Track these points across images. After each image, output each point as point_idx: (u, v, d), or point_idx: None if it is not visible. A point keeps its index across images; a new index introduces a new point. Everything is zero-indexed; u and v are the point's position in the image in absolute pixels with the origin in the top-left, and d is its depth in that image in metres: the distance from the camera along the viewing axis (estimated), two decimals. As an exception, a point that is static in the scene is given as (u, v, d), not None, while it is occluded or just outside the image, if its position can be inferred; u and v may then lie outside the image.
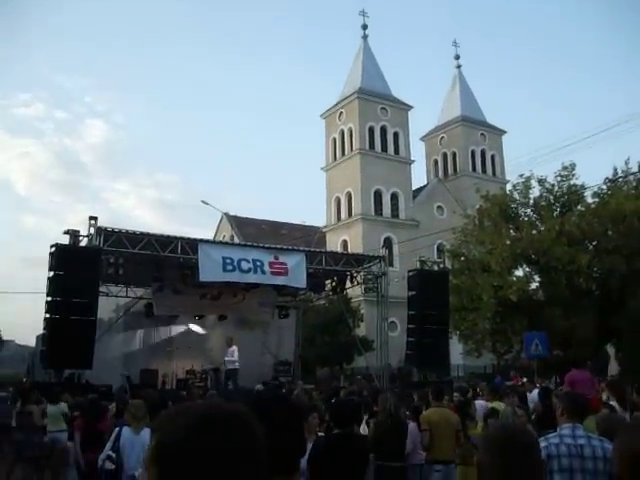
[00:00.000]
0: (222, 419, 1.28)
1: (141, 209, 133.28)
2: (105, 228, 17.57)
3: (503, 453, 2.40)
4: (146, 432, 7.45)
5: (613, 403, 8.91)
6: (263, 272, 19.48)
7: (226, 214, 55.97)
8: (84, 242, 17.31)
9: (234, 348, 21.03)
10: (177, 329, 25.27)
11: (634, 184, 30.09)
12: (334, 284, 24.69)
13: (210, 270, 18.60)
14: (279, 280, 20.14)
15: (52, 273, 16.12)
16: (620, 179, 30.65)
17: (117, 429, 7.39)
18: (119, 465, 6.98)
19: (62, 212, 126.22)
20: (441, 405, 9.23)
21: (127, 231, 18.19)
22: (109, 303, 22.27)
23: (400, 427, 8.29)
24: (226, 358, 20.89)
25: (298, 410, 2.42)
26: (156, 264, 19.39)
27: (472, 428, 8.82)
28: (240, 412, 1.32)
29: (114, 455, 7.07)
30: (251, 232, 53.82)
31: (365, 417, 9.58)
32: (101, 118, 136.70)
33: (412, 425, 8.68)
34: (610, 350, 30.44)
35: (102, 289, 19.41)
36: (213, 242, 22.72)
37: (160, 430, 1.29)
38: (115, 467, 6.99)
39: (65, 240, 16.80)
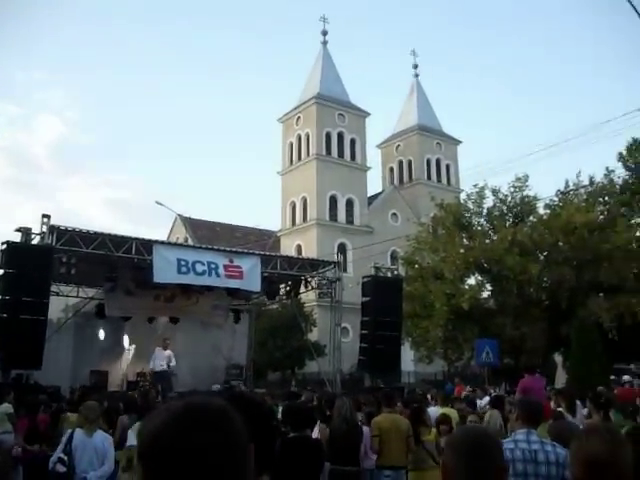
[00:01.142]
0: (204, 413, 1.29)
1: (94, 208, 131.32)
2: (58, 226, 17.24)
3: (467, 456, 2.44)
4: (99, 435, 7.37)
5: (561, 410, 9.10)
6: (218, 275, 19.34)
7: (180, 215, 55.48)
8: (36, 240, 16.98)
9: (169, 352, 20.71)
10: (129, 330, 24.94)
11: (584, 197, 30.77)
12: (288, 288, 24.70)
13: (164, 271, 18.42)
14: (234, 283, 20.01)
15: (2, 271, 15.78)
16: (571, 191, 31.34)
17: (69, 431, 7.29)
18: (70, 467, 6.88)
19: (12, 209, 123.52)
20: (392, 411, 9.30)
21: (80, 230, 17.88)
22: (58, 303, 21.86)
23: (355, 431, 8.33)
24: (157, 361, 20.44)
25: (270, 409, 2.43)
26: (109, 264, 19.10)
27: (426, 434, 8.90)
28: (223, 407, 1.33)
29: (65, 457, 6.96)
30: (205, 234, 53.49)
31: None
32: (55, 114, 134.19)
33: (366, 429, 8.74)
34: (557, 359, 31.01)
35: (53, 289, 19.06)
36: (168, 243, 22.49)
37: (144, 428, 1.30)
38: (67, 470, 6.89)
39: (16, 238, 16.49)
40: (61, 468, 6.91)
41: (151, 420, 1.29)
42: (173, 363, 20.53)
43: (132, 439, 7.69)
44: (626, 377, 20.29)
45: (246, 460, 1.29)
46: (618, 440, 2.25)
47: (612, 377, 21.80)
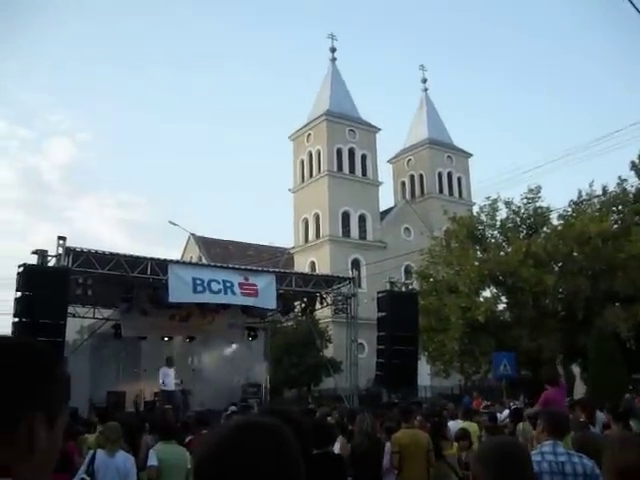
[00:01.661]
0: (258, 432, 1.30)
1: (107, 229, 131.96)
2: (74, 248, 17.37)
3: (498, 468, 2.44)
4: (120, 455, 7.38)
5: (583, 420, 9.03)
6: (233, 293, 19.39)
7: (193, 235, 55.69)
8: (52, 262, 17.08)
9: (173, 371, 20.59)
10: (145, 350, 24.97)
11: (598, 206, 30.66)
12: (303, 305, 24.70)
13: (180, 291, 18.48)
14: (249, 301, 20.04)
15: (19, 293, 15.86)
16: (584, 202, 31.25)
17: (92, 452, 7.30)
18: (94, 489, 6.89)
19: (25, 232, 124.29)
20: (411, 426, 9.25)
21: (96, 251, 18.00)
22: (74, 324, 21.96)
23: (377, 447, 8.30)
24: (166, 380, 20.21)
25: (308, 427, 2.44)
26: (125, 285, 19.21)
27: (447, 448, 8.85)
28: (277, 425, 1.33)
29: (88, 478, 6.97)
30: (218, 253, 53.62)
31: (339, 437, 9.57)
32: (66, 136, 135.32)
33: (388, 445, 8.70)
34: (575, 370, 30.82)
35: (69, 310, 19.08)
36: (183, 263, 22.64)
37: (197, 449, 1.31)
38: (90, 491, 6.89)
39: (32, 260, 16.59)
40: (84, 489, 6.92)
41: (201, 443, 1.30)
42: (177, 381, 20.49)
43: (153, 459, 7.70)
44: None
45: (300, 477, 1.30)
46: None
47: (630, 387, 21.61)
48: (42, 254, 16.75)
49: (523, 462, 2.53)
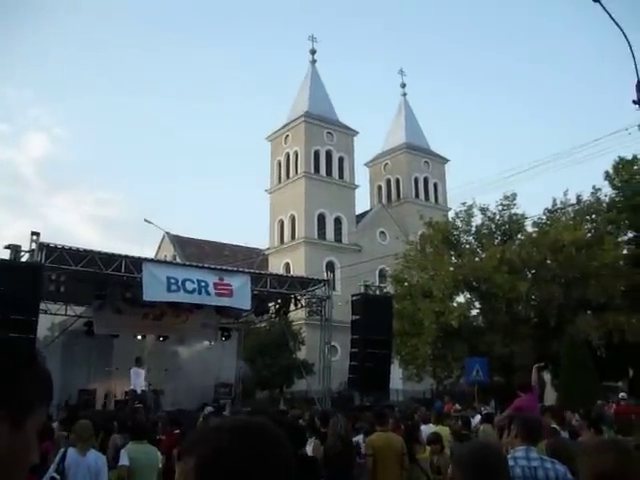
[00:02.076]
0: (256, 433, 1.29)
1: (80, 225, 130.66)
2: (47, 244, 17.21)
3: (474, 471, 2.47)
4: (92, 454, 7.29)
5: (555, 427, 9.10)
6: (208, 293, 19.31)
7: (168, 233, 55.31)
8: (25, 257, 16.90)
9: (143, 371, 20.56)
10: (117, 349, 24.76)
11: (572, 215, 30.96)
12: (278, 307, 24.67)
13: (154, 290, 18.36)
14: (224, 301, 19.98)
15: (-10, 289, 15.67)
16: (559, 210, 31.53)
17: (62, 450, 7.20)
18: (63, 487, 6.79)
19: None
20: (385, 430, 9.26)
21: (70, 247, 17.84)
22: (45, 321, 21.69)
23: (350, 449, 8.30)
24: (137, 381, 20.28)
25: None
26: (98, 282, 19.07)
27: (420, 452, 8.88)
28: (271, 427, 1.32)
29: (58, 477, 6.88)
30: (193, 252, 53.38)
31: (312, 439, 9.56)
32: (43, 131, 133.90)
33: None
34: (546, 376, 31.06)
35: (41, 306, 18.90)
36: (157, 261, 22.46)
37: (195, 450, 1.28)
38: (59, 489, 6.80)
39: (5, 255, 16.41)
40: (54, 488, 6.82)
41: (199, 444, 1.28)
42: (144, 383, 20.44)
43: (124, 458, 7.62)
44: (622, 394, 20.33)
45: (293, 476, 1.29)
46: (629, 454, 2.27)
47: (602, 394, 21.85)
48: (15, 249, 16.60)
49: (499, 466, 2.56)
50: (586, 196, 31.14)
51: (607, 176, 31.90)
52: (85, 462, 7.05)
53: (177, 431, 9.28)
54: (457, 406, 22.18)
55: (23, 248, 16.83)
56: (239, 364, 27.19)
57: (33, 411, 1.23)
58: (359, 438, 9.91)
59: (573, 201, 31.37)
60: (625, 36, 15.23)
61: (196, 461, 1.24)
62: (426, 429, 10.94)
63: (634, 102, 15.34)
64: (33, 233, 17.06)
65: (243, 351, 28.75)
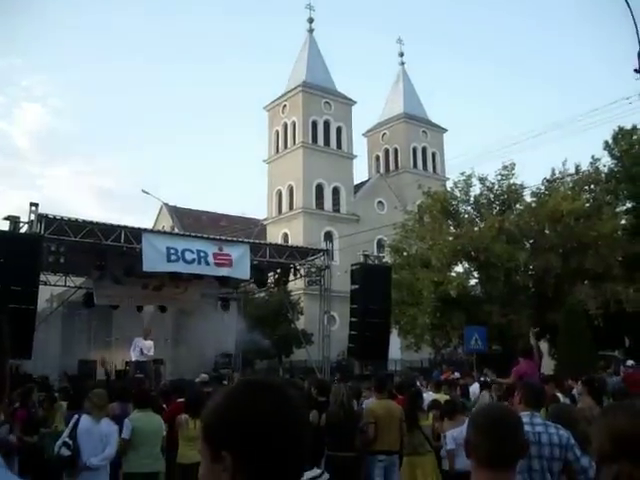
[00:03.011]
0: (266, 390, 1.29)
1: (78, 196, 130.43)
2: (46, 215, 17.16)
3: (493, 433, 2.49)
4: (105, 422, 7.40)
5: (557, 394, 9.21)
6: (207, 263, 19.32)
7: (166, 204, 55.25)
8: (24, 229, 16.86)
9: (150, 342, 20.34)
10: (116, 319, 24.89)
11: (571, 185, 30.89)
12: (277, 276, 24.72)
13: (154, 260, 18.37)
14: (223, 271, 19.98)
15: (-11, 260, 15.65)
16: (558, 180, 31.45)
17: (75, 416, 7.31)
18: (75, 452, 6.90)
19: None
20: (384, 397, 9.35)
21: (69, 219, 17.81)
22: (44, 292, 21.75)
23: (352, 418, 8.38)
24: (137, 350, 19.97)
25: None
26: (98, 253, 19.01)
27: (423, 419, 8.97)
28: (284, 385, 1.33)
29: (71, 442, 6.99)
30: (191, 223, 53.28)
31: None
32: (38, 102, 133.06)
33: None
34: (543, 346, 31.24)
35: (40, 278, 18.92)
36: (157, 232, 22.51)
37: (205, 411, 1.29)
38: (71, 453, 6.91)
39: (4, 226, 16.38)
40: (66, 452, 6.94)
41: (208, 405, 1.29)
42: (151, 353, 20.26)
43: (127, 431, 7.70)
44: (630, 362, 20.25)
45: (303, 439, 1.31)
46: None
47: (601, 363, 21.92)
48: (14, 220, 16.53)
49: (514, 426, 2.59)
50: (585, 166, 31.06)
51: (606, 146, 31.78)
52: (98, 429, 7.17)
53: (180, 400, 9.33)
54: (456, 374, 22.31)
55: (22, 219, 16.76)
56: (238, 334, 27.32)
57: None
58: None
59: (572, 171, 31.27)
60: (627, 2, 15.10)
61: (201, 424, 1.26)
62: (426, 397, 11.05)
63: (635, 71, 15.27)
64: (32, 204, 16.99)
65: (243, 321, 28.87)
